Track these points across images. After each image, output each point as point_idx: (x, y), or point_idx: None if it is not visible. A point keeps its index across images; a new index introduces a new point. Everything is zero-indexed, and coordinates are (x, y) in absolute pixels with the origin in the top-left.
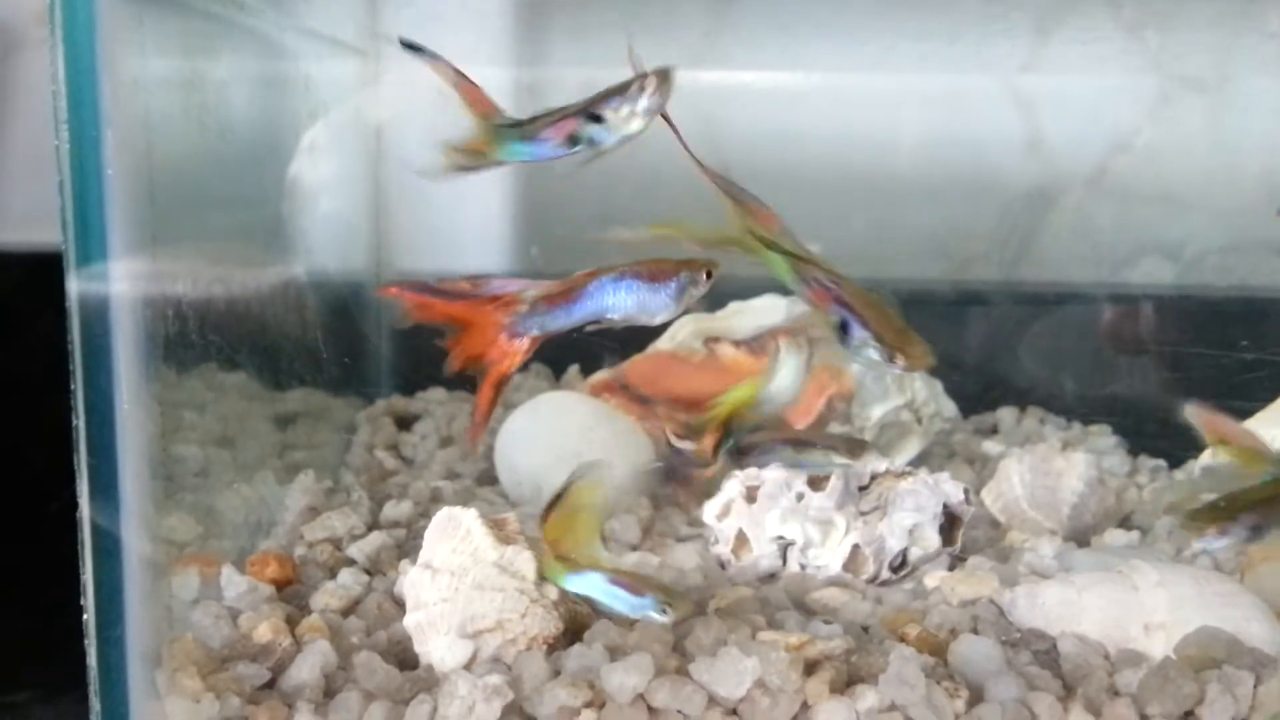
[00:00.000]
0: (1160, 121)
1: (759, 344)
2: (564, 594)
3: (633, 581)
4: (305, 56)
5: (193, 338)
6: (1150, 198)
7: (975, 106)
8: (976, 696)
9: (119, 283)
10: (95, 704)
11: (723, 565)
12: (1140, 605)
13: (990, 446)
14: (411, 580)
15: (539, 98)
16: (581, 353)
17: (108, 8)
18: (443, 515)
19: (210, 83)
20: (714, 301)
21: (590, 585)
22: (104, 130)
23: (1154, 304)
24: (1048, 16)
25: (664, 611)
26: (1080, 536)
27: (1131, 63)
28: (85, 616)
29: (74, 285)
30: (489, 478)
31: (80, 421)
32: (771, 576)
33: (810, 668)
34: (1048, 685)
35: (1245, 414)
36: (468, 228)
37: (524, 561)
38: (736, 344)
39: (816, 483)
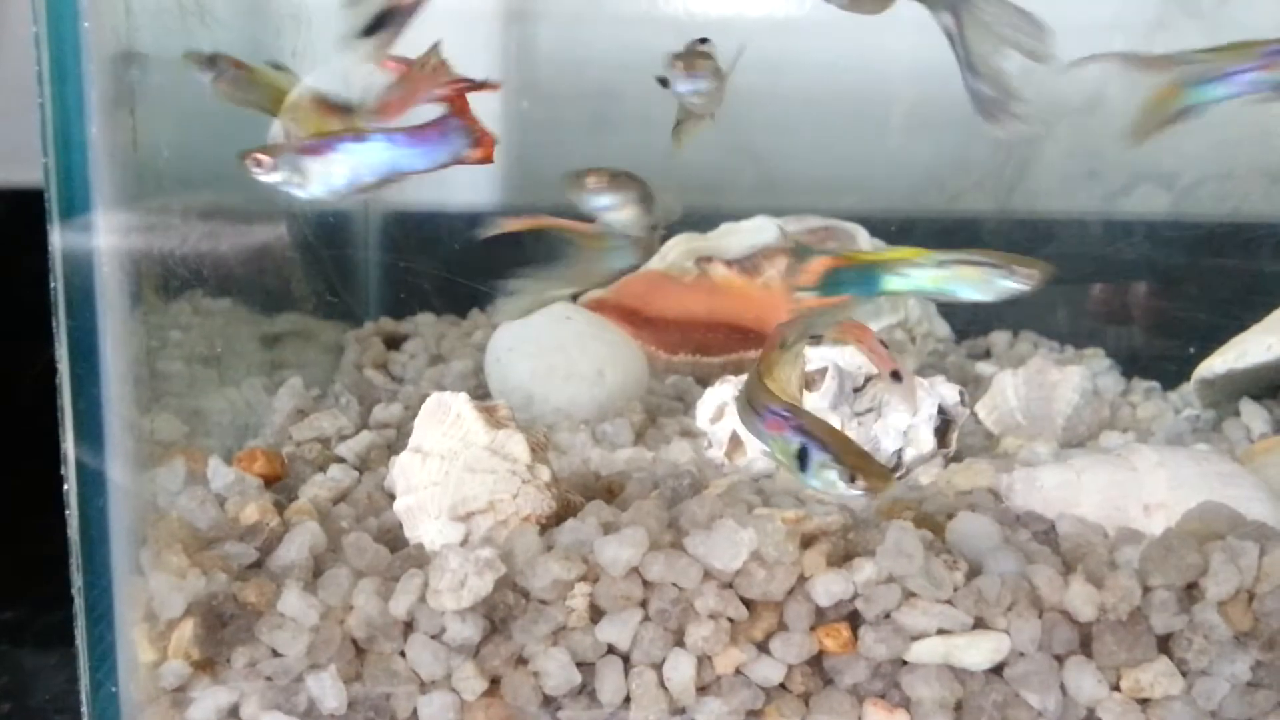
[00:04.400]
0: (1156, 47)
1: (750, 263)
2: (555, 476)
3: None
4: None
5: (177, 260)
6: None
7: None
8: (975, 570)
9: (104, 210)
10: (77, 579)
11: (716, 467)
12: (1140, 485)
13: (984, 368)
14: (401, 465)
15: (528, 24)
16: None
17: None
18: (433, 401)
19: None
20: (705, 223)
21: None
22: (85, 45)
23: (1148, 233)
24: None
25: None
26: (1075, 447)
27: None
28: (65, 487)
29: (56, 226)
30: (479, 393)
31: (61, 318)
32: (766, 479)
33: (807, 541)
34: (1047, 560)
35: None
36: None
37: (515, 444)
38: (728, 263)
39: (810, 382)
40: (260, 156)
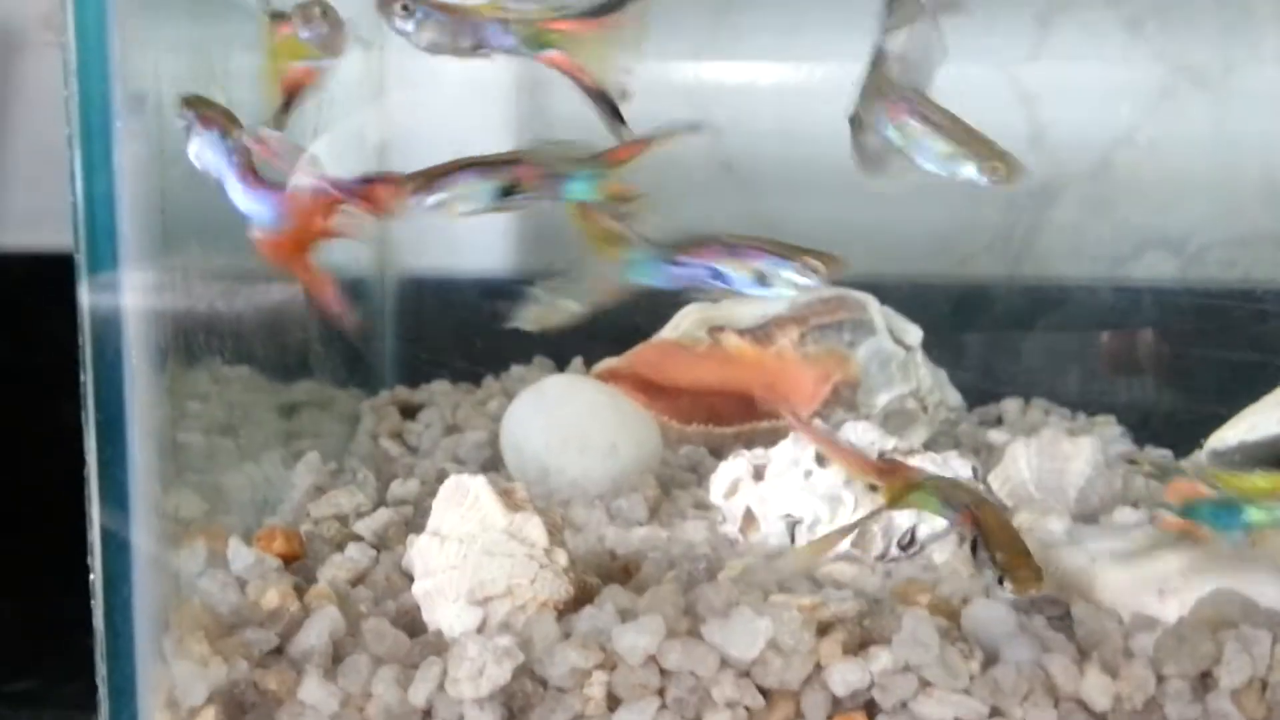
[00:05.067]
0: (1163, 114)
1: (763, 332)
2: (572, 559)
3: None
4: None
5: (200, 335)
6: (1153, 191)
7: (977, 100)
8: (991, 659)
9: (130, 279)
10: (101, 667)
11: (731, 544)
12: (1153, 571)
13: (995, 436)
14: (420, 548)
15: (540, 93)
16: (584, 346)
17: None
18: (451, 483)
19: (219, 73)
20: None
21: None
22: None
23: (1156, 298)
24: (1049, 9)
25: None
26: (1087, 519)
27: (1133, 54)
28: (91, 577)
29: (84, 287)
30: (494, 464)
31: (90, 403)
32: (779, 557)
33: (823, 629)
34: (1063, 648)
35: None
36: (470, 226)
37: (533, 528)
38: (740, 332)
39: (825, 459)
40: (186, 108)
